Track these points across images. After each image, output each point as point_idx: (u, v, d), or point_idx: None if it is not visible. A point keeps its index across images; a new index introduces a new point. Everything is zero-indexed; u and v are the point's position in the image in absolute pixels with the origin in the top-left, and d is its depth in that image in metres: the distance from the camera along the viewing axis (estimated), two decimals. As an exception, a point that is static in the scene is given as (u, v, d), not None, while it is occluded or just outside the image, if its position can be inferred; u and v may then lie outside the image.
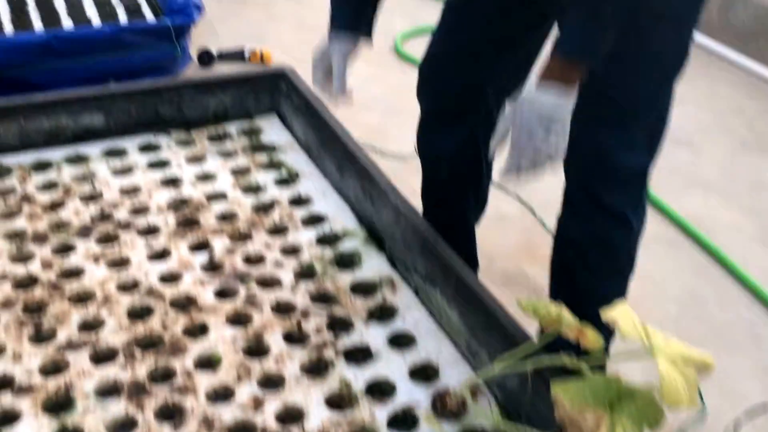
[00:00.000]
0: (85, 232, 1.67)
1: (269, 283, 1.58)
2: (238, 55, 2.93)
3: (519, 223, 2.21)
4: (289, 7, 3.52)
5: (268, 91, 2.10)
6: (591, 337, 1.26)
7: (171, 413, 1.29)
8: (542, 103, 1.25)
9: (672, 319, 1.93)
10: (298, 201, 1.83)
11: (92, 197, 1.78)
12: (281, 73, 2.10)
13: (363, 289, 1.59)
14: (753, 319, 1.98)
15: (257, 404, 1.32)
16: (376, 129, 2.54)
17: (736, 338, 1.91)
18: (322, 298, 1.56)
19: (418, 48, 3.25)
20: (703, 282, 2.09)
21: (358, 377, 1.39)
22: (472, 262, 1.87)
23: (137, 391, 1.33)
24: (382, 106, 2.71)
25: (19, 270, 1.55)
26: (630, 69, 1.36)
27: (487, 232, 1.96)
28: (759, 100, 2.95)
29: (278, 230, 1.73)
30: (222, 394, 1.34)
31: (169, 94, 2.02)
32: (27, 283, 1.53)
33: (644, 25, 1.31)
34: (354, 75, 3.23)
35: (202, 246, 1.66)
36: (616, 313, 1.19)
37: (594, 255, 1.54)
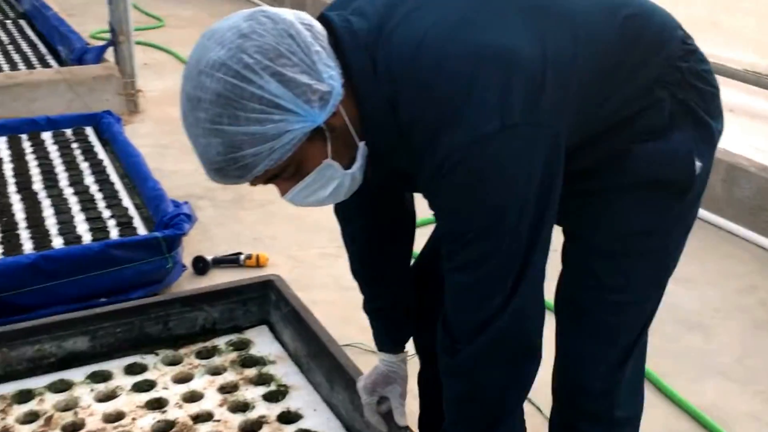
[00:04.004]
0: (65, 467, 1.73)
1: None
2: (233, 260, 3.08)
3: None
4: (285, 208, 3.72)
5: (257, 301, 2.22)
6: None
7: None
8: None
9: None
10: (288, 418, 1.89)
11: (74, 427, 1.85)
12: (269, 282, 2.22)
13: None
14: None
15: None
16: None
17: None
18: None
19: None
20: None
21: None
22: None
23: None
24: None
25: None
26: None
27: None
28: (773, 276, 3.04)
29: (266, 451, 1.77)
30: None
31: (155, 312, 2.14)
32: None
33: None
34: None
35: (186, 473, 1.71)
36: None
37: None
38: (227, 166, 1.14)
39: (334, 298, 2.79)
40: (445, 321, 1.30)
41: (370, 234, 1.57)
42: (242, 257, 3.12)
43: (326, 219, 4.02)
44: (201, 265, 3.04)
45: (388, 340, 1.67)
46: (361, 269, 1.64)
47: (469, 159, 1.14)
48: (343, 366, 1.87)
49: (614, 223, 1.34)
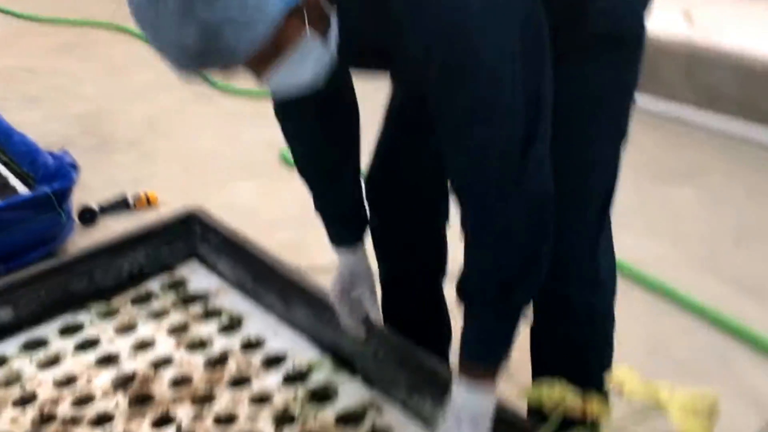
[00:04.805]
0: (31, 440, 1.68)
1: (250, 439, 1.64)
2: (121, 205, 2.98)
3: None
4: (157, 143, 3.62)
5: (182, 237, 2.18)
6: (598, 407, 1.40)
7: None
8: (454, 398, 1.40)
9: (640, 363, 2.10)
10: (251, 345, 1.90)
11: (25, 400, 1.78)
12: (192, 215, 2.19)
13: (349, 419, 1.68)
14: (715, 343, 2.19)
15: None
16: (294, 247, 2.64)
17: (707, 366, 2.11)
18: (310, 440, 1.63)
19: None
20: (657, 319, 2.30)
21: None
22: (447, 332, 1.94)
23: None
24: (290, 221, 2.83)
25: (-25, 500, 1.54)
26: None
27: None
28: (653, 132, 3.29)
29: (241, 381, 1.79)
30: None
31: (77, 267, 2.06)
32: None
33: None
34: (250, 196, 3.28)
35: (165, 420, 1.70)
36: (619, 376, 1.34)
37: (567, 343, 1.66)
38: (205, 55, 1.09)
39: (242, 223, 2.78)
40: (461, 192, 1.32)
41: (314, 130, 1.56)
42: (130, 200, 3.02)
43: (205, 148, 3.94)
44: (88, 216, 2.92)
45: (345, 234, 1.67)
46: (307, 167, 1.62)
47: (460, 33, 1.16)
48: (299, 283, 1.89)
49: (576, 86, 1.39)
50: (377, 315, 1.69)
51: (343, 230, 1.67)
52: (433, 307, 1.94)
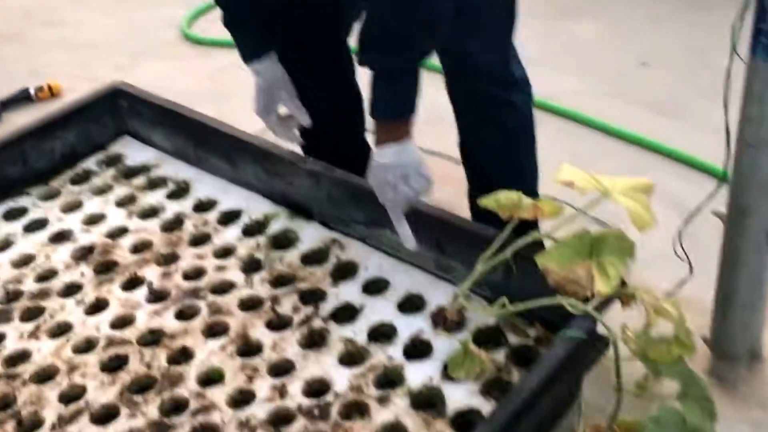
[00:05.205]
0: (3, 316, 1.74)
1: (223, 288, 1.75)
2: (24, 98, 2.95)
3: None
4: (45, 33, 3.53)
5: (109, 114, 2.21)
6: (548, 207, 1.58)
7: (206, 434, 1.45)
8: (385, 164, 1.56)
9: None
10: (203, 206, 1.98)
11: (-13, 283, 1.83)
12: (117, 90, 2.21)
13: (314, 259, 1.80)
14: (632, 159, 2.43)
15: (282, 392, 1.51)
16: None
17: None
18: (280, 281, 1.75)
19: (208, 28, 3.40)
20: (576, 144, 2.52)
21: (356, 332, 1.62)
22: None
23: (160, 430, 1.47)
24: (204, 97, 2.87)
25: (-37, 376, 1.60)
26: None
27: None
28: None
29: (201, 239, 1.88)
30: (243, 399, 1.52)
31: (8, 152, 2.07)
32: (-20, 385, 1.59)
33: None
34: (157, 77, 3.31)
35: (135, 282, 1.79)
36: (566, 175, 1.52)
37: (498, 144, 1.88)
38: None
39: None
40: None
41: None
42: (32, 91, 2.99)
43: (98, 33, 3.88)
44: (-9, 112, 2.90)
45: (255, 45, 1.78)
46: None
47: None
48: (244, 140, 1.97)
49: None
50: (303, 116, 1.81)
51: (252, 40, 1.77)
52: (357, 154, 2.08)
